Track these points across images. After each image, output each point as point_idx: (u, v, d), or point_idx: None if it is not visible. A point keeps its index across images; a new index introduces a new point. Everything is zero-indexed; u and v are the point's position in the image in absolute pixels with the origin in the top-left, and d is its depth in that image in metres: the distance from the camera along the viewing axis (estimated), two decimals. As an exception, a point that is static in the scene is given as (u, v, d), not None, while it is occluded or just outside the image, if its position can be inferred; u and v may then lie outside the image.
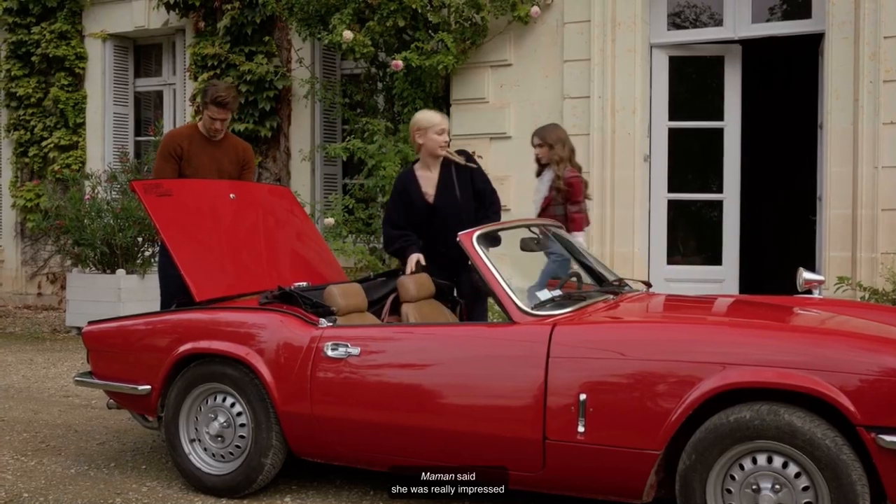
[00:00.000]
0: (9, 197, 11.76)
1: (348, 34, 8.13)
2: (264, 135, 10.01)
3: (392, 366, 4.02)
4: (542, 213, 6.09)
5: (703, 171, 8.46)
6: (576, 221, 6.00)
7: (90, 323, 4.86)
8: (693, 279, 8.15)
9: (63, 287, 10.76)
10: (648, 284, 4.91)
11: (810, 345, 3.40)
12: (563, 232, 4.96)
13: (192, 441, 4.45)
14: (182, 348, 4.39)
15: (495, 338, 3.86)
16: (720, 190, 8.12)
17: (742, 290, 8.12)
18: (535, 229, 4.75)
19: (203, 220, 4.89)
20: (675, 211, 8.34)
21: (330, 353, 4.08)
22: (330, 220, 8.49)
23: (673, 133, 8.18)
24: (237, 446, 4.32)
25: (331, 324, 4.23)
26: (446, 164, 5.27)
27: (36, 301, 11.74)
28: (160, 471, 4.74)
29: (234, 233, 5.02)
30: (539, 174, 6.25)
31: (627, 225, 8.03)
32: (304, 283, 4.92)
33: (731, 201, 8.11)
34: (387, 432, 3.99)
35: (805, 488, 3.30)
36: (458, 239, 4.09)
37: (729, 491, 3.43)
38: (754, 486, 3.37)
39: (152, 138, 10.35)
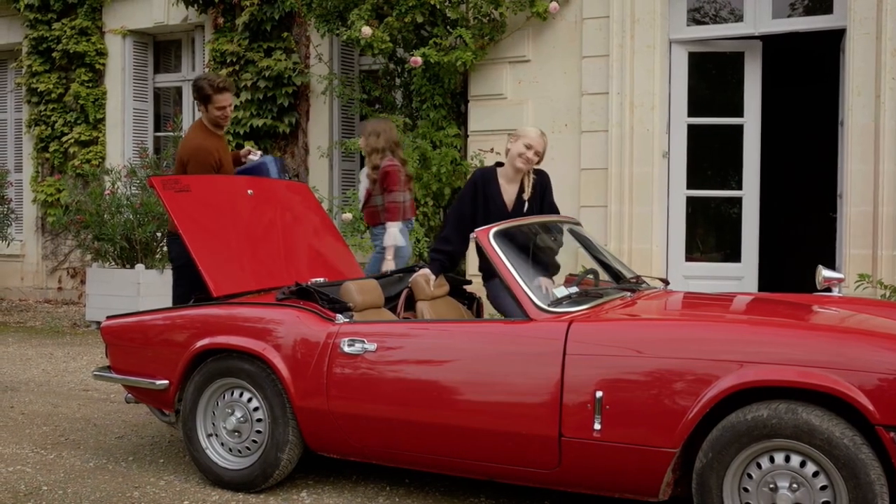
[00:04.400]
0: (30, 192, 11.84)
1: (367, 30, 8.13)
2: (283, 130, 10.04)
3: (408, 362, 4.01)
4: (365, 205, 6.34)
5: (723, 168, 8.42)
6: (391, 211, 6.16)
7: (108, 318, 4.89)
8: (711, 276, 8.11)
9: (83, 282, 10.84)
10: (666, 282, 4.88)
11: (829, 343, 3.37)
12: (580, 229, 4.94)
13: (209, 436, 4.47)
14: (199, 343, 4.40)
15: (511, 334, 3.84)
16: (739, 187, 8.07)
17: (761, 287, 8.08)
18: (552, 226, 4.72)
19: (221, 216, 4.91)
20: (694, 208, 8.30)
21: (346, 349, 4.08)
22: (347, 216, 8.49)
23: (692, 129, 8.13)
24: (254, 441, 4.34)
25: (347, 320, 4.23)
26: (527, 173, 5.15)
27: (56, 296, 11.82)
28: (178, 465, 4.76)
29: (251, 229, 5.03)
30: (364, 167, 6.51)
31: (646, 222, 8.00)
32: (322, 279, 4.94)
33: (751, 198, 8.06)
34: (402, 429, 3.99)
35: (823, 487, 3.28)
36: (474, 236, 4.08)
37: (746, 490, 3.41)
38: (772, 485, 3.35)
39: (171, 134, 10.40)
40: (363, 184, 6.36)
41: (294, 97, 10.01)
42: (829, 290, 4.49)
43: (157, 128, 11.53)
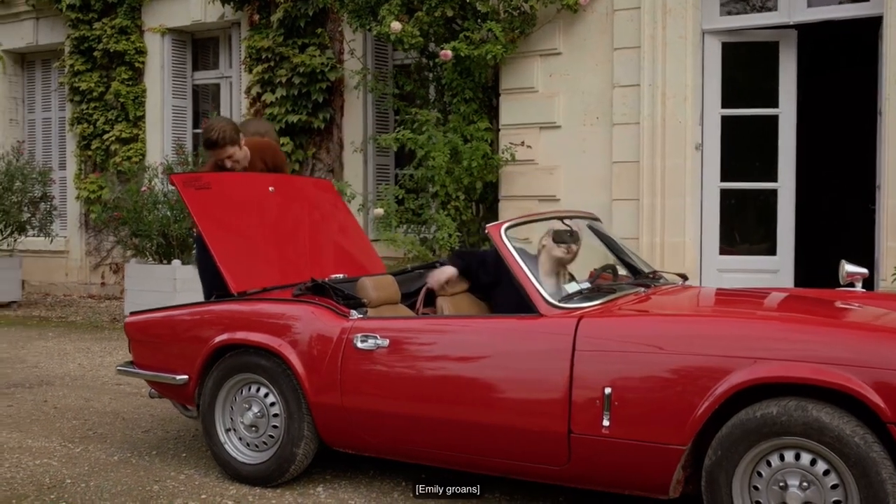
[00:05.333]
0: (73, 189, 12.05)
1: (396, 25, 8.13)
2: (317, 126, 10.10)
3: (420, 358, 4.02)
4: None
5: (758, 160, 8.27)
6: None
7: (132, 313, 4.97)
8: (746, 270, 8.00)
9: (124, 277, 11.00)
10: (684, 277, 4.82)
11: (841, 340, 3.31)
12: (599, 224, 4.91)
13: (227, 430, 4.52)
14: (217, 339, 4.45)
15: (522, 330, 3.83)
16: (775, 179, 7.93)
17: (797, 281, 7.95)
18: (569, 221, 4.69)
19: (241, 213, 4.95)
20: (728, 200, 8.18)
21: (360, 344, 4.10)
22: (379, 211, 8.52)
23: (726, 121, 8.01)
24: (270, 436, 4.38)
25: (361, 315, 4.25)
26: None
27: (99, 291, 12.03)
28: (199, 459, 4.82)
29: (272, 225, 5.07)
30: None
31: (678, 215, 7.91)
32: (341, 275, 4.96)
33: (786, 190, 7.93)
34: (414, 424, 4.00)
35: (834, 486, 3.22)
36: (486, 231, 4.08)
37: (756, 488, 3.37)
38: (782, 484, 3.30)
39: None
40: None
41: (328, 93, 10.05)
42: (852, 285, 4.40)
43: (195, 124, 11.64)
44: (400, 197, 8.90)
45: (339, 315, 4.26)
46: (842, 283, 4.41)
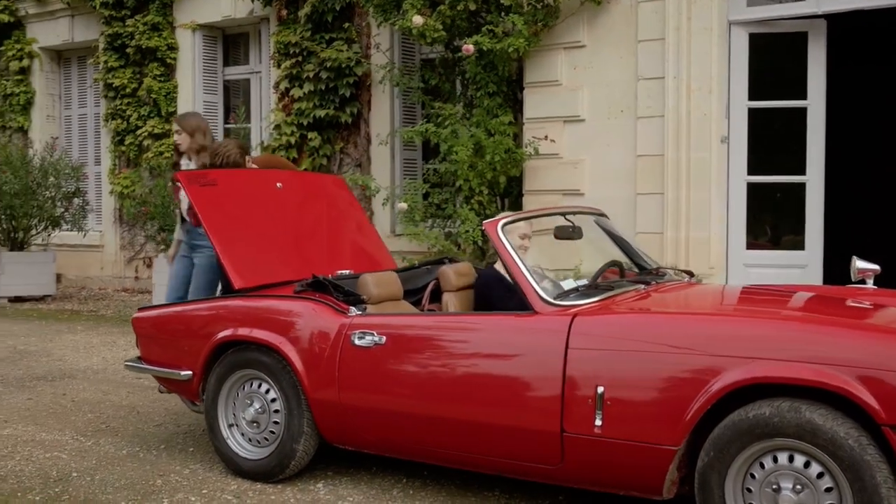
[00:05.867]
0: (108, 184, 12.20)
1: (418, 19, 8.10)
2: (344, 120, 10.11)
3: (415, 355, 3.99)
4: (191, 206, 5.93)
5: (786, 153, 8.12)
6: None
7: (140, 309, 5.02)
8: (774, 265, 7.85)
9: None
10: (691, 274, 4.74)
11: (835, 339, 3.23)
12: (605, 220, 4.84)
13: (230, 426, 4.54)
14: (219, 335, 4.48)
15: (516, 328, 3.79)
16: (803, 172, 7.76)
17: (826, 276, 7.79)
18: (571, 217, 4.63)
19: (247, 210, 4.96)
20: (756, 194, 8.04)
21: (357, 341, 4.09)
22: (403, 205, 8.49)
23: (753, 113, 7.87)
24: (271, 432, 4.39)
25: (360, 312, 4.23)
26: None
27: (133, 284, 12.18)
28: (205, 454, 4.85)
29: (279, 221, 5.07)
30: (176, 163, 6.25)
31: (703, 209, 7.78)
32: (347, 271, 4.95)
33: (815, 184, 7.76)
34: (410, 422, 3.98)
35: (828, 489, 3.15)
36: (482, 228, 4.03)
37: (749, 490, 3.30)
38: (775, 486, 3.23)
39: (232, 126, 10.57)
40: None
41: (356, 87, 10.05)
42: (863, 281, 4.30)
43: (226, 119, 11.71)
44: (425, 191, 8.89)
45: (338, 312, 4.25)
46: (853, 279, 4.31)
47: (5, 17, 12.63)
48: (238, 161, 5.44)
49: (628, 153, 8.07)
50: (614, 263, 4.52)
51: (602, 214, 4.91)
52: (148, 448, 4.99)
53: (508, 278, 4.04)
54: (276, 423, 4.36)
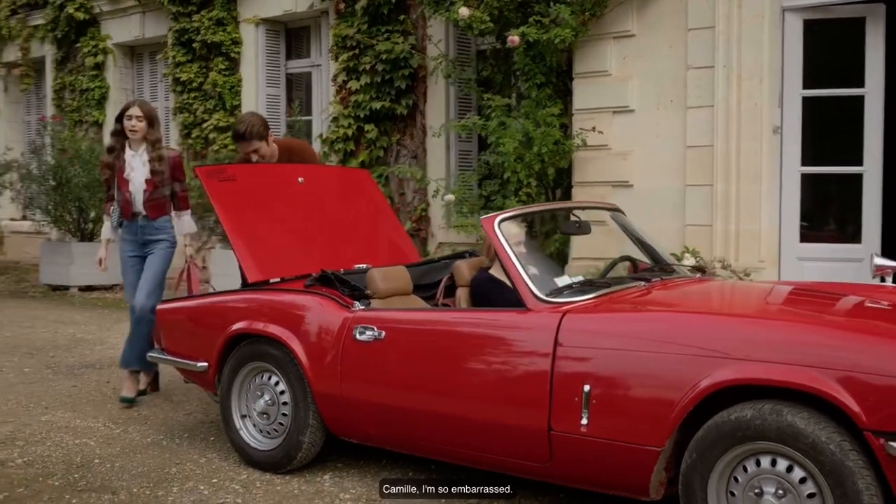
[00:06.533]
0: (176, 177, 12.48)
1: (464, 11, 8.09)
2: (400, 112, 10.16)
3: (412, 350, 4.02)
4: (151, 197, 5.78)
5: (842, 143, 7.85)
6: (185, 200, 5.95)
7: (163, 302, 5.14)
8: (829, 258, 7.62)
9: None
10: (702, 270, 4.64)
11: (818, 340, 3.14)
12: (620, 216, 4.77)
13: (243, 417, 4.64)
14: (232, 328, 4.57)
15: (508, 325, 3.78)
16: (860, 162, 7.50)
17: (883, 270, 7.52)
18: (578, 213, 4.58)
19: (266, 204, 5.04)
20: (810, 186, 7.81)
21: (358, 336, 4.13)
22: (451, 197, 8.53)
23: (807, 102, 7.63)
24: (280, 424, 4.47)
25: (363, 307, 4.27)
26: None
27: (203, 275, 12.45)
28: (224, 443, 4.95)
29: (299, 216, 5.14)
30: (116, 150, 5.85)
31: (754, 201, 7.59)
32: (364, 265, 4.98)
33: (872, 174, 7.49)
34: (407, 416, 4.02)
35: (811, 495, 3.06)
36: (480, 223, 4.03)
37: (733, 494, 3.24)
38: (757, 490, 3.16)
39: (287, 119, 10.72)
40: (140, 173, 5.75)
41: (411, 79, 10.09)
42: (883, 279, 4.15)
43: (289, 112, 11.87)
44: (477, 182, 8.89)
45: (343, 306, 4.30)
46: (872, 277, 4.16)
47: (81, 15, 13.03)
48: (261, 132, 5.46)
49: (677, 144, 7.92)
50: (625, 259, 4.46)
51: (617, 210, 4.84)
52: (172, 436, 5.12)
53: (502, 278, 4.01)
54: (284, 415, 4.44)
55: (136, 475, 4.47)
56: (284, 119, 11.82)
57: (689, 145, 7.86)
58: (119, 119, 5.78)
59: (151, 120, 5.76)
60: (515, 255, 3.88)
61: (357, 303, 4.30)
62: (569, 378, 3.50)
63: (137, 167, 5.75)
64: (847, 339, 3.15)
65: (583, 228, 4.35)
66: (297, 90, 11.99)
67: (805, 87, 7.61)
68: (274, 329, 4.39)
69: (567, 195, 8.64)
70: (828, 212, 8.18)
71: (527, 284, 3.77)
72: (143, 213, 5.78)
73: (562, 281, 3.91)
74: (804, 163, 7.66)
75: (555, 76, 8.53)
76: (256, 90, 11.67)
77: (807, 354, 3.07)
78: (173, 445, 4.96)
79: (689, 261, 7.24)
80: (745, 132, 7.58)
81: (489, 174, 8.98)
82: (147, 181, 5.72)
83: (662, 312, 3.70)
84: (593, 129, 8.22)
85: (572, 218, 4.39)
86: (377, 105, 10.15)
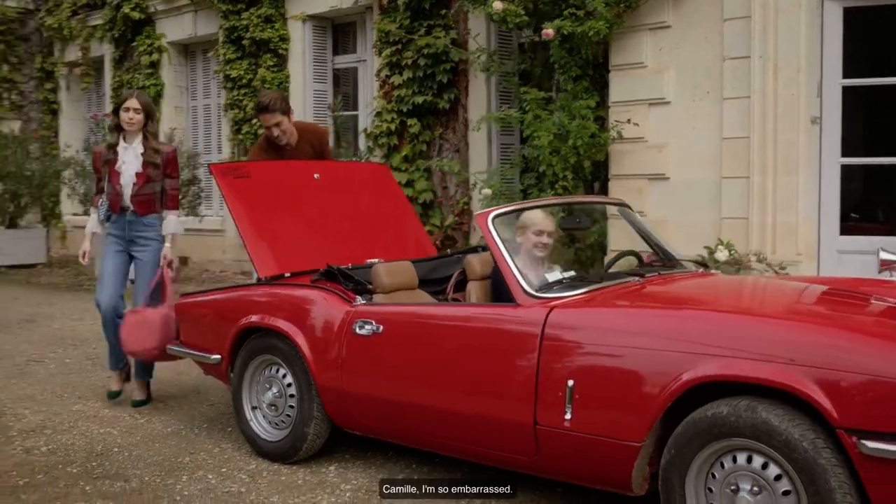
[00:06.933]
0: (228, 171, 12.71)
1: (498, 4, 8.10)
2: (442, 106, 10.19)
3: (408, 344, 4.08)
4: (140, 192, 5.60)
5: (884, 133, 7.68)
6: (175, 199, 5.76)
7: (182, 295, 5.27)
8: (870, 251, 7.41)
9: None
10: (705, 265, 4.60)
11: (792, 337, 3.10)
12: (627, 211, 4.74)
13: (253, 408, 4.75)
14: (241, 322, 4.67)
15: (498, 320, 3.81)
16: (902, 153, 7.35)
17: (926, 264, 7.33)
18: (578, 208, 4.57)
19: (278, 200, 5.13)
20: (850, 177, 7.64)
21: (358, 330, 4.20)
22: (487, 191, 8.55)
23: (848, 92, 7.47)
24: (287, 415, 4.56)
25: (365, 302, 4.33)
26: None
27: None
28: (238, 434, 5.05)
29: (312, 211, 5.22)
30: (112, 145, 5.69)
31: (791, 193, 7.46)
32: (376, 260, 5.04)
33: (915, 165, 7.33)
34: (403, 409, 4.07)
35: (786, 492, 3.03)
36: (475, 219, 4.05)
37: (711, 490, 3.22)
38: (733, 487, 3.14)
39: (330, 114, 10.84)
40: (132, 166, 5.59)
41: (453, 73, 10.12)
42: (891, 273, 4.06)
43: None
44: (516, 177, 8.89)
45: (345, 301, 4.36)
46: (878, 272, 4.08)
47: (137, 15, 13.34)
48: (284, 107, 5.57)
49: (714, 136, 7.82)
50: (629, 254, 4.44)
51: (624, 205, 4.82)
52: (192, 427, 5.26)
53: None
54: (291, 407, 4.53)
55: (151, 464, 4.61)
56: (336, 113, 11.96)
57: (725, 137, 7.75)
58: (116, 112, 5.68)
59: (150, 113, 5.66)
60: (507, 250, 3.89)
61: (359, 297, 4.36)
62: (554, 373, 3.51)
63: (129, 160, 5.61)
64: (822, 335, 3.10)
65: (583, 224, 4.34)
66: (345, 85, 12.11)
67: (846, 76, 7.45)
68: (280, 323, 4.48)
69: (604, 188, 8.59)
70: (869, 204, 8.00)
71: (516, 279, 3.79)
72: (132, 207, 5.63)
73: (552, 276, 3.92)
74: (844, 153, 7.51)
75: (591, 69, 8.49)
76: (304, 86, 11.81)
77: (782, 351, 3.03)
78: (191, 435, 5.10)
79: (723, 254, 7.16)
80: (781, 123, 7.45)
81: (528, 167, 8.98)
82: (138, 174, 5.58)
83: (644, 308, 3.68)
84: (628, 121, 8.16)
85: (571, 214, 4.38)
86: (419, 99, 10.21)
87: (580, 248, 7.88)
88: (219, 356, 4.84)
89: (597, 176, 8.60)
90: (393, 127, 10.44)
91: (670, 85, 8.09)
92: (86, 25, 14.57)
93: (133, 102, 5.59)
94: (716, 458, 3.19)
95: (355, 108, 11.65)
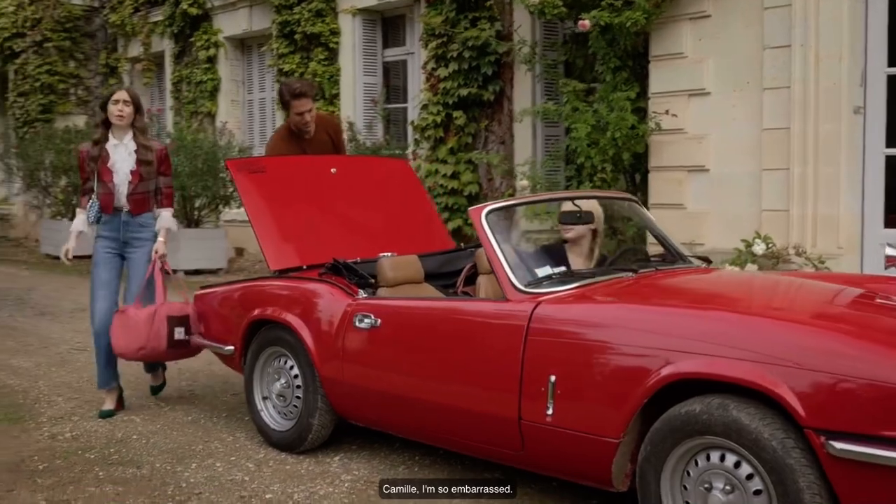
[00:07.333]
0: (282, 164, 12.90)
1: (535, -5, 8.08)
2: (487, 98, 10.18)
3: (403, 338, 4.12)
4: (135, 190, 5.38)
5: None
6: (170, 197, 5.55)
7: (201, 287, 5.39)
8: (916, 245, 7.24)
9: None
10: (707, 261, 4.53)
11: (765, 335, 3.05)
12: (635, 206, 4.70)
13: (264, 398, 4.84)
14: (251, 314, 4.77)
15: (488, 315, 3.83)
16: (950, 143, 7.11)
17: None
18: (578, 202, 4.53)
19: (293, 195, 5.19)
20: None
21: (357, 323, 4.25)
22: (524, 183, 8.54)
23: (893, 81, 7.26)
24: (294, 406, 4.64)
25: (366, 295, 4.38)
26: None
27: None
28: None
29: (327, 206, 5.27)
30: (99, 141, 5.40)
31: (832, 184, 7.29)
32: (389, 254, 5.08)
33: (963, 156, 7.08)
34: (398, 402, 4.12)
35: (757, 492, 2.99)
36: (468, 214, 4.07)
37: (686, 488, 3.18)
38: (707, 485, 3.11)
39: (374, 107, 10.91)
40: (126, 164, 5.37)
41: (497, 65, 10.10)
42: (896, 268, 3.96)
43: (386, 100, 12.08)
44: (556, 167, 8.86)
45: (348, 294, 4.42)
46: (884, 268, 3.98)
47: (194, 10, 13.62)
48: (314, 94, 5.69)
49: (754, 127, 7.68)
50: (632, 249, 4.41)
51: (632, 200, 4.77)
52: (211, 416, 5.38)
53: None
54: (298, 397, 4.61)
55: (165, 451, 4.74)
56: (380, 107, 12.05)
57: (765, 128, 7.61)
58: (104, 107, 5.40)
59: (138, 105, 5.43)
60: (500, 247, 3.89)
61: (361, 291, 4.41)
62: (537, 368, 3.51)
63: (122, 157, 5.37)
64: (793, 333, 3.03)
65: (583, 218, 4.32)
66: (395, 78, 12.18)
67: (891, 64, 7.24)
68: (286, 315, 4.56)
69: (644, 180, 8.50)
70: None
71: (507, 274, 3.79)
72: (126, 207, 5.39)
73: (542, 271, 3.90)
74: (889, 144, 7.30)
75: (631, 59, 8.40)
76: (354, 79, 11.93)
77: (753, 349, 2.99)
78: (210, 424, 5.22)
79: (760, 247, 7.04)
80: (823, 113, 7.28)
81: (570, 159, 8.93)
82: (133, 172, 5.34)
83: (625, 304, 3.64)
84: (666, 112, 8.06)
85: (571, 207, 4.36)
86: (464, 92, 10.21)
87: (622, 239, 7.82)
88: (232, 347, 4.94)
89: (637, 168, 8.52)
90: (439, 119, 10.46)
91: (710, 75, 7.97)
92: (147, 22, 14.93)
93: (122, 94, 5.34)
94: (691, 456, 3.16)
95: (405, 101, 11.71)
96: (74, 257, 5.45)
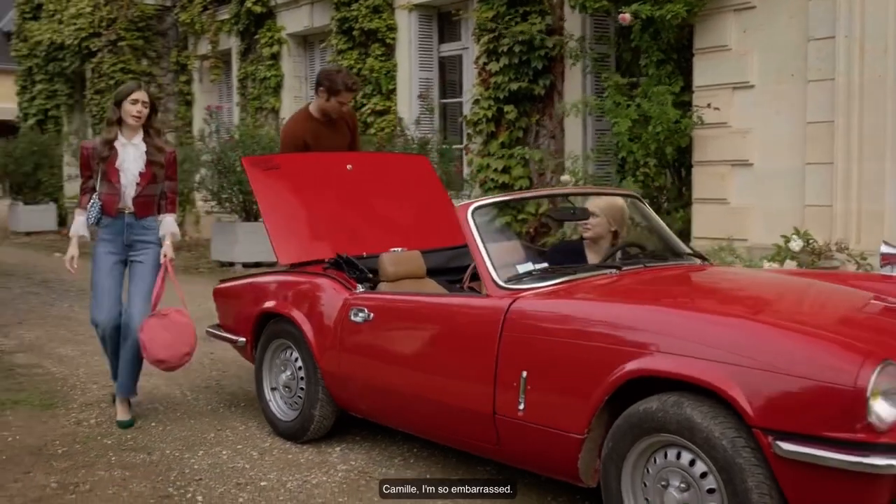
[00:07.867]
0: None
1: (576, -11, 8.03)
2: (538, 93, 10.15)
3: (392, 332, 4.19)
4: (142, 192, 5.17)
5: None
6: (174, 202, 5.31)
7: (221, 281, 5.54)
8: (966, 242, 6.99)
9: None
10: (704, 258, 4.46)
11: (719, 333, 3.02)
12: (638, 203, 4.66)
13: (272, 389, 4.95)
14: (259, 307, 4.89)
15: (468, 310, 3.88)
16: None
17: None
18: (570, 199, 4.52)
19: (306, 191, 5.29)
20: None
21: (353, 317, 4.33)
22: (566, 178, 8.51)
23: (942, 72, 7.03)
24: (299, 397, 4.74)
25: (363, 290, 4.45)
26: None
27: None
28: (266, 413, 5.28)
29: (340, 201, 5.34)
30: (108, 141, 5.15)
31: (877, 179, 7.09)
32: (399, 249, 5.13)
33: None
34: (387, 394, 4.19)
35: (711, 490, 2.97)
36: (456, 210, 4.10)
37: (646, 484, 3.18)
38: (664, 482, 3.10)
39: (422, 103, 10.99)
40: (136, 165, 5.17)
41: (548, 60, 10.07)
42: (893, 268, 3.85)
43: (442, 95, 12.13)
44: (606, 162, 8.81)
45: (346, 288, 4.50)
46: (880, 267, 3.88)
47: (259, 9, 13.88)
48: (359, 88, 5.66)
49: (798, 120, 7.52)
50: (630, 245, 4.38)
51: (635, 197, 4.72)
52: (230, 405, 5.53)
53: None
54: (301, 388, 4.71)
55: (177, 438, 4.89)
56: (438, 102, 12.11)
57: (809, 121, 7.44)
58: (118, 104, 5.15)
59: (155, 107, 5.28)
60: (484, 243, 3.91)
61: (359, 285, 4.49)
62: (511, 363, 3.54)
63: (131, 158, 5.16)
64: (746, 332, 2.99)
65: (578, 214, 4.31)
66: (450, 73, 12.23)
67: (939, 55, 7.01)
68: (289, 309, 4.67)
69: (688, 174, 8.39)
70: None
71: (488, 271, 3.82)
72: (131, 209, 5.18)
73: (523, 267, 3.91)
74: (938, 138, 7.07)
75: (675, 53, 8.29)
76: (410, 74, 12.01)
77: (707, 347, 2.97)
78: (227, 413, 5.36)
79: (797, 244, 6.89)
80: (868, 106, 7.09)
81: (615, 154, 8.86)
82: (141, 174, 5.14)
83: (594, 301, 3.62)
84: (708, 105, 7.94)
85: (566, 204, 4.35)
86: (515, 86, 10.19)
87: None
88: (244, 339, 5.08)
89: (681, 162, 8.40)
90: (490, 114, 10.47)
91: (754, 68, 7.83)
92: (214, 20, 15.27)
93: (142, 95, 5.13)
94: (650, 453, 3.14)
95: (460, 95, 11.75)
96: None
